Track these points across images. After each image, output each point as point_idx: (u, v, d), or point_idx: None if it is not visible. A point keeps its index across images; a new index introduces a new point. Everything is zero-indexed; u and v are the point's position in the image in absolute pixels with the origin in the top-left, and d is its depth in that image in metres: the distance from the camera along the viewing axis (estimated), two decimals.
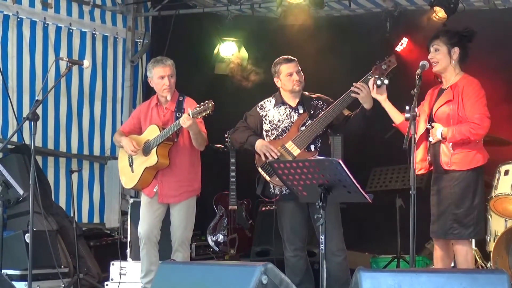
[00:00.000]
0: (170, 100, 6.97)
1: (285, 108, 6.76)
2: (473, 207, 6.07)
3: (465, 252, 6.10)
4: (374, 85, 6.23)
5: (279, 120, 6.75)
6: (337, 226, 6.67)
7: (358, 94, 6.38)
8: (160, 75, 6.87)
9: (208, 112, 6.46)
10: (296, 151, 6.56)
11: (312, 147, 6.64)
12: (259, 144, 6.63)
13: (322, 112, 6.62)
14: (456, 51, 6.13)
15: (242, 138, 6.78)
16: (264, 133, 6.79)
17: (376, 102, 6.36)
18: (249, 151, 6.80)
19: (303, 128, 6.62)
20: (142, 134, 7.01)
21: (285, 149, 6.59)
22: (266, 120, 6.80)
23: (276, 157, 6.51)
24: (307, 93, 6.82)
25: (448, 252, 6.22)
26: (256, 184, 6.79)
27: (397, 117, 6.28)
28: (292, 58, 6.76)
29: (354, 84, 6.43)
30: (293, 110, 6.74)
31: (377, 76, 6.30)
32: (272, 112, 6.80)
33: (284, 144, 6.60)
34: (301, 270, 6.77)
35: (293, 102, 6.76)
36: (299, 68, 6.73)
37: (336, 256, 6.60)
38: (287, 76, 6.68)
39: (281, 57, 6.79)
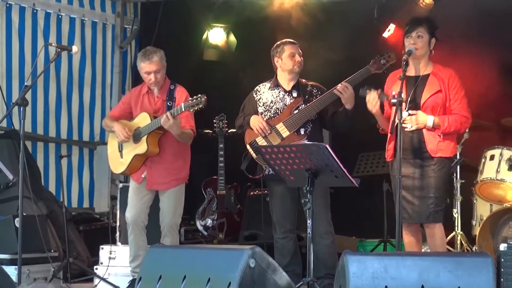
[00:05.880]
0: (160, 89, 6.96)
1: (279, 92, 6.86)
2: (446, 192, 6.27)
3: (442, 234, 6.20)
4: (378, 100, 6.09)
5: (272, 102, 6.85)
6: (326, 209, 6.75)
7: (342, 94, 6.42)
8: (146, 71, 6.87)
9: (201, 106, 6.47)
10: (285, 132, 6.66)
11: (302, 131, 6.72)
12: (253, 119, 6.77)
13: (316, 99, 6.67)
14: (433, 41, 6.21)
15: (241, 121, 6.93)
16: (258, 115, 6.87)
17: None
18: (240, 135, 6.96)
19: (296, 111, 6.68)
20: (133, 121, 7.01)
21: (275, 130, 6.69)
22: (260, 102, 6.91)
23: (265, 132, 6.65)
24: (303, 80, 6.91)
25: (418, 237, 6.28)
26: (242, 159, 6.87)
27: (386, 125, 6.27)
28: (295, 41, 6.89)
29: (340, 85, 6.47)
30: (287, 94, 6.84)
31: (383, 61, 6.34)
32: (266, 95, 6.90)
33: (275, 125, 6.70)
34: (289, 252, 6.84)
35: (287, 85, 6.87)
36: (301, 52, 6.85)
37: (324, 239, 6.67)
38: (290, 56, 6.80)
39: (284, 39, 6.91)
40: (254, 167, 6.86)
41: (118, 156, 7.08)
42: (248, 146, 6.80)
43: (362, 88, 6.20)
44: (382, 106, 6.17)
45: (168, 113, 6.56)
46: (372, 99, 6.10)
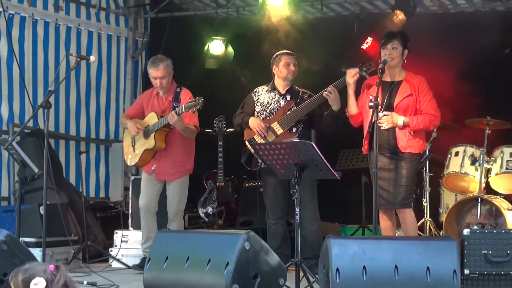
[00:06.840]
0: (168, 92, 6.98)
1: (275, 94, 6.88)
2: (415, 183, 6.26)
3: (413, 219, 6.22)
4: (358, 73, 6.20)
5: (268, 103, 6.88)
6: (313, 199, 6.80)
7: (329, 96, 6.44)
8: (152, 76, 6.94)
9: (198, 107, 6.55)
10: (279, 130, 6.72)
11: (294, 129, 6.77)
12: (252, 121, 6.79)
13: (305, 101, 6.70)
14: (406, 52, 6.21)
15: (239, 120, 6.93)
16: (255, 113, 6.91)
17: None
18: (239, 131, 7.01)
19: (289, 112, 6.74)
20: (144, 119, 7.06)
21: (271, 129, 6.73)
22: (257, 102, 6.93)
23: (263, 134, 6.68)
24: (296, 87, 6.94)
25: (393, 223, 6.28)
26: (241, 154, 6.90)
27: (353, 108, 6.28)
28: (293, 53, 6.92)
29: (328, 88, 6.48)
30: (281, 97, 6.88)
31: (364, 69, 6.33)
32: (263, 96, 6.93)
33: (271, 125, 6.75)
34: (280, 236, 6.88)
35: (282, 90, 6.89)
36: (296, 62, 6.87)
37: (311, 225, 6.70)
38: (285, 65, 6.83)
39: (283, 50, 6.95)
40: (252, 161, 6.88)
41: (132, 150, 7.12)
42: (247, 143, 6.81)
43: (346, 66, 6.31)
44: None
45: (173, 112, 6.59)
46: (352, 71, 6.19)
